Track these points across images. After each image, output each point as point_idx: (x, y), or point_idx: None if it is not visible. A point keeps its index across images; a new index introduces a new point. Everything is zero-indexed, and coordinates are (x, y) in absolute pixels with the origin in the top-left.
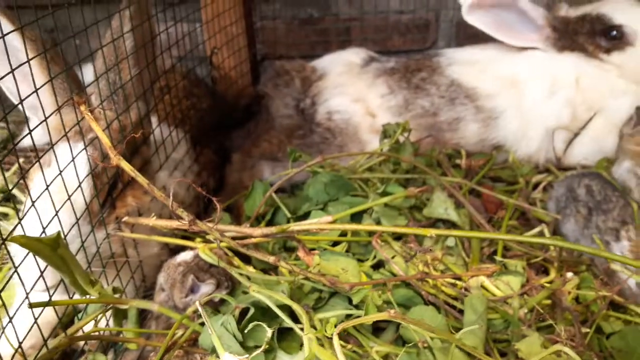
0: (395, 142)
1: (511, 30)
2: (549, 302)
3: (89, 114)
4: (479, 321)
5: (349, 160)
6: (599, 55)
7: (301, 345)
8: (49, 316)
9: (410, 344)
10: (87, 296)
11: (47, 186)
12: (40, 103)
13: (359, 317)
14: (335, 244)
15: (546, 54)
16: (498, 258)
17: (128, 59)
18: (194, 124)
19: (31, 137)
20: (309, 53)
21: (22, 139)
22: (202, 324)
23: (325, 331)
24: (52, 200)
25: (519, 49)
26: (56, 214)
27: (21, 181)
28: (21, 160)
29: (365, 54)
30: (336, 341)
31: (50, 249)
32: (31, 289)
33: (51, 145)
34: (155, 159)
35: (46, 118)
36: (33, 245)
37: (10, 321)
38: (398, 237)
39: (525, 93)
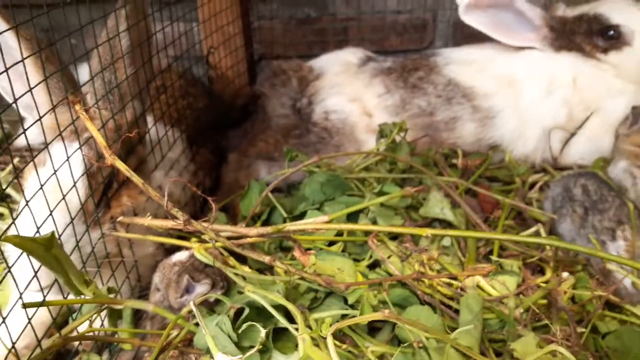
0: (391, 142)
1: (508, 30)
2: (544, 301)
3: (84, 113)
4: (475, 321)
5: (345, 160)
6: (596, 55)
7: (296, 345)
8: (43, 316)
9: (405, 344)
10: (82, 296)
11: (42, 186)
12: (35, 102)
13: (354, 317)
14: (331, 243)
15: (543, 53)
16: (494, 258)
17: (124, 59)
18: (190, 123)
19: (25, 136)
20: (306, 53)
21: (16, 138)
22: (197, 324)
23: (321, 331)
24: (46, 200)
25: (516, 48)
26: (50, 214)
27: (17, 181)
28: (16, 160)
29: (362, 54)
30: (330, 341)
31: (44, 249)
32: (25, 289)
33: (46, 145)
34: (151, 158)
35: (40, 117)
36: (27, 245)
37: (3, 321)
38: (394, 236)
39: (522, 93)
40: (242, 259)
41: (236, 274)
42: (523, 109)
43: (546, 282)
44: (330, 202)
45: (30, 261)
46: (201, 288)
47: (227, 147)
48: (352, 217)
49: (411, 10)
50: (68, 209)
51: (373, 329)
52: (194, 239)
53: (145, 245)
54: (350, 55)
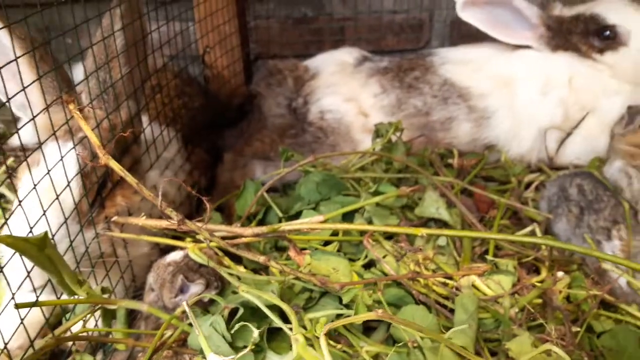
0: (387, 142)
1: (505, 28)
2: (539, 301)
3: (78, 112)
4: (470, 320)
5: (341, 160)
6: (592, 55)
7: (291, 345)
8: (37, 317)
9: (400, 344)
10: (75, 296)
11: (35, 185)
12: (29, 102)
13: (348, 316)
14: (327, 243)
15: (539, 53)
16: (489, 257)
17: (118, 58)
18: (186, 123)
19: (19, 136)
20: (302, 52)
21: (9, 138)
22: (191, 324)
23: (315, 331)
24: (39, 200)
25: (512, 48)
26: (44, 214)
27: (11, 180)
28: (11, 159)
29: (358, 54)
30: (323, 341)
31: (37, 249)
32: (17, 289)
33: (39, 144)
34: (146, 158)
35: (34, 117)
36: (19, 245)
37: None
38: (389, 236)
39: (518, 92)
40: (238, 259)
41: (230, 274)
42: (519, 109)
43: (541, 281)
44: (326, 202)
45: (23, 261)
46: (195, 288)
47: (222, 147)
48: (348, 217)
49: (408, 10)
50: (62, 208)
51: (368, 328)
52: (188, 239)
53: (139, 245)
54: (346, 55)
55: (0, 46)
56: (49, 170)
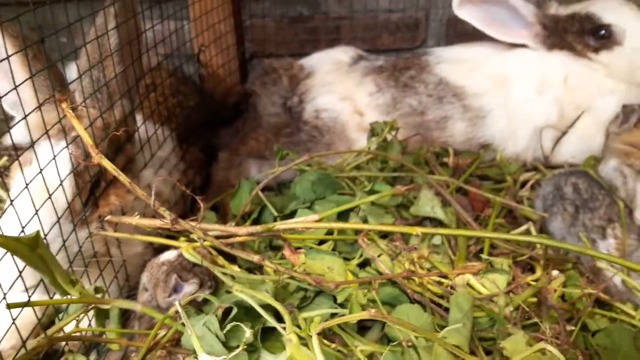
0: (382, 141)
1: (501, 26)
2: (534, 300)
3: (70, 111)
4: (465, 319)
5: (336, 159)
6: (588, 54)
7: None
8: (29, 317)
9: (394, 343)
10: (68, 296)
11: (27, 184)
12: (21, 101)
13: (342, 316)
14: (322, 242)
15: (535, 52)
16: (484, 256)
17: (112, 57)
18: (181, 121)
19: (10, 135)
20: (298, 51)
21: (1, 137)
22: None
23: (309, 330)
24: (32, 199)
25: (508, 47)
26: (36, 213)
27: (3, 180)
28: (4, 158)
29: (353, 52)
30: (316, 341)
31: (29, 249)
32: (9, 289)
33: (32, 143)
34: (140, 157)
35: (26, 116)
36: (11, 244)
37: None
38: (384, 235)
39: (513, 92)
40: (232, 258)
41: (224, 273)
42: (514, 108)
43: (536, 280)
44: (321, 201)
45: (14, 261)
46: (189, 288)
47: (217, 146)
48: (343, 216)
49: (403, 9)
50: (54, 208)
51: (363, 327)
52: (182, 238)
53: (133, 244)
54: (342, 53)
55: None
56: (41, 170)
